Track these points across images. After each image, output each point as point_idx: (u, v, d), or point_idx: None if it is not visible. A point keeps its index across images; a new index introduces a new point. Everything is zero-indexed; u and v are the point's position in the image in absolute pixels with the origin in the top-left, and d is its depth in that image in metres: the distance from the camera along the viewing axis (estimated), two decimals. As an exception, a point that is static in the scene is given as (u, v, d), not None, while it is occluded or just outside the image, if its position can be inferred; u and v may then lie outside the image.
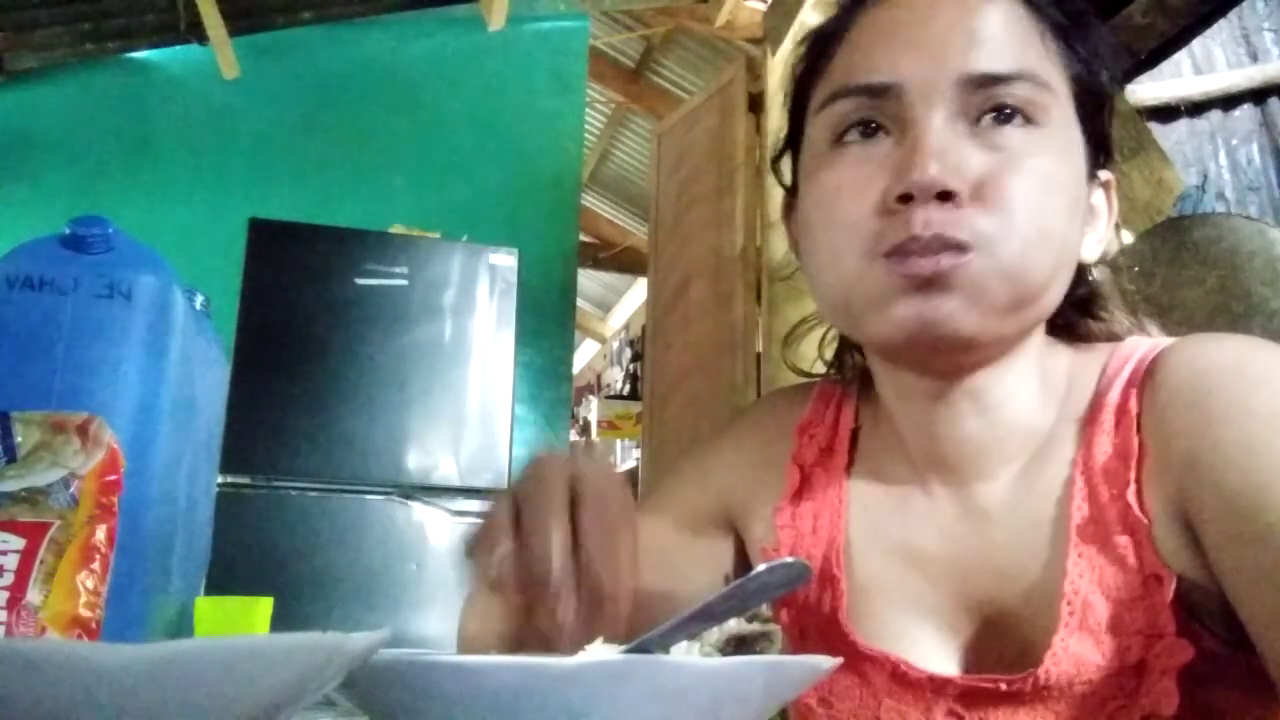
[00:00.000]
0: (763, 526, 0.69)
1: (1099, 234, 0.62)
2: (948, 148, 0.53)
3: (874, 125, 0.57)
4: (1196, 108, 2.67)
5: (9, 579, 1.01)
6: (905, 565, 0.62)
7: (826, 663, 0.51)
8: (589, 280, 7.39)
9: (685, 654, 0.52)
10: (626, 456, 5.68)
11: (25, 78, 3.54)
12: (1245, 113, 2.67)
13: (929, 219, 0.52)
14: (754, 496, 0.71)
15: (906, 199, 0.53)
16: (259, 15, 3.46)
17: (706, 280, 3.54)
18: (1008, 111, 0.54)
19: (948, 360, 0.58)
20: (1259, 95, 2.64)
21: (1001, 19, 0.56)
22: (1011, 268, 0.53)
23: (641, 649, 0.52)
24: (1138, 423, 0.56)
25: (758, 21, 3.75)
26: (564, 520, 0.46)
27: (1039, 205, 0.54)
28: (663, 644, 0.53)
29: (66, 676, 0.33)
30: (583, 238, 5.01)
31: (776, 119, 3.41)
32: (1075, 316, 0.64)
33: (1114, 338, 0.64)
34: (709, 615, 0.54)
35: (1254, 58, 2.70)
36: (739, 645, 0.54)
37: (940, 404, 0.60)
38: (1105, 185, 0.63)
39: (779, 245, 3.29)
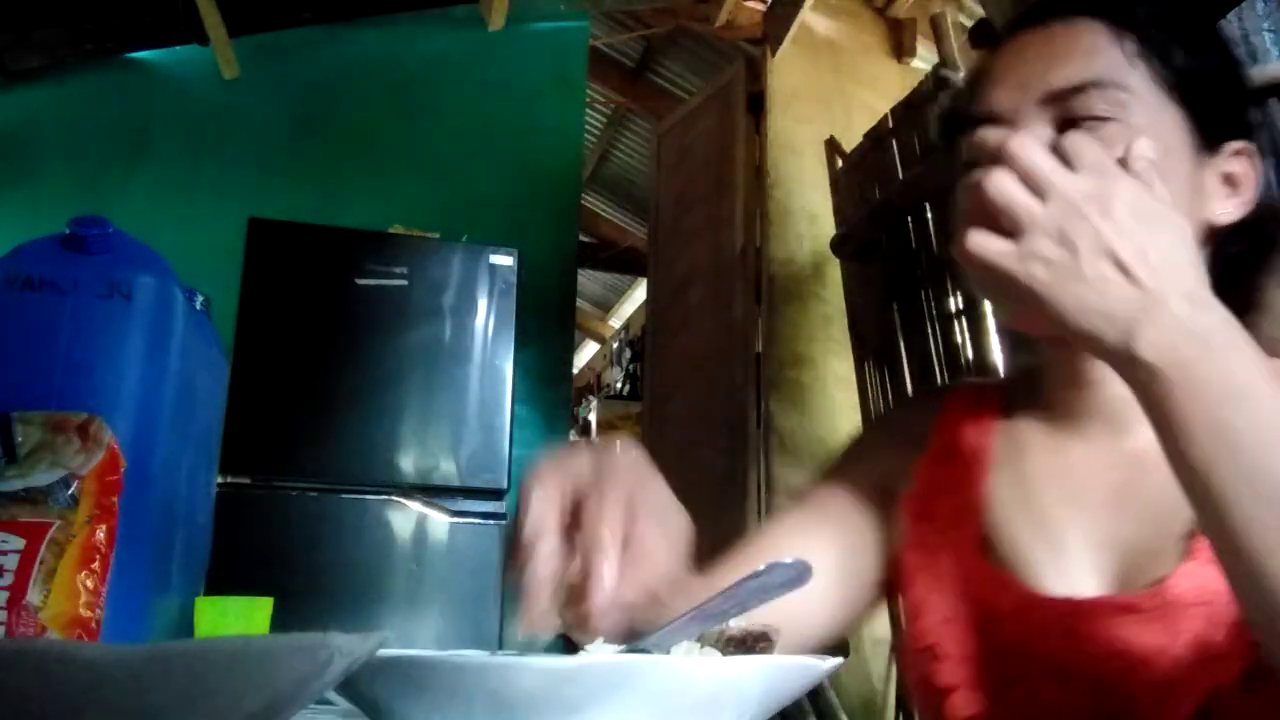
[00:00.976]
0: (907, 483, 0.78)
1: (1241, 198, 0.69)
2: None
3: None
4: (1196, 108, 2.67)
5: (9, 579, 1.01)
6: (1049, 505, 0.69)
7: (825, 663, 0.51)
8: (589, 280, 7.39)
9: (685, 654, 0.52)
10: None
11: (25, 78, 3.54)
12: (1245, 113, 2.67)
13: None
14: (903, 465, 0.79)
15: None
16: (259, 15, 3.46)
17: (706, 280, 3.55)
18: (1085, 115, 0.64)
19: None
20: (1259, 95, 2.64)
21: (1075, 41, 0.67)
22: None
23: (641, 649, 0.52)
24: None
25: (758, 21, 3.75)
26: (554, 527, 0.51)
27: None
28: (663, 644, 0.53)
29: (66, 676, 0.33)
30: (583, 238, 5.02)
31: (777, 119, 3.41)
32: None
33: None
34: (709, 615, 0.54)
35: (1254, 58, 2.70)
36: (739, 645, 0.54)
37: (1089, 363, 0.68)
38: (1240, 153, 0.69)
39: (779, 245, 3.29)
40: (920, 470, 0.76)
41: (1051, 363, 0.73)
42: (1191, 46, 0.68)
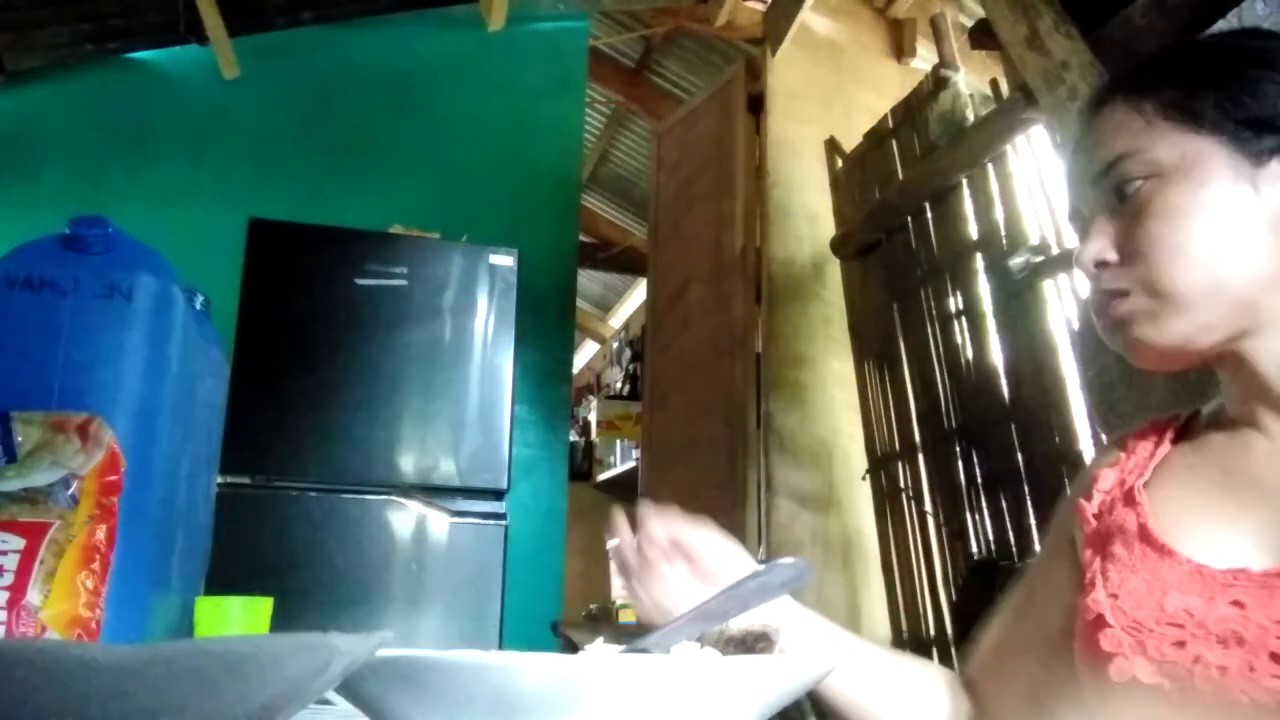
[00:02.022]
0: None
1: None
2: (1097, 234, 0.78)
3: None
4: (1196, 108, 2.66)
5: (9, 579, 1.01)
6: (1226, 492, 0.76)
7: (824, 664, 0.51)
8: (589, 280, 7.38)
9: (685, 654, 0.52)
10: (626, 456, 5.66)
11: (25, 78, 3.54)
12: (1245, 113, 2.66)
13: (1101, 279, 0.77)
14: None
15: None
16: (259, 15, 3.46)
17: (706, 281, 3.54)
18: (1125, 186, 0.76)
19: (1178, 361, 0.76)
20: None
21: (1103, 125, 0.79)
22: (1161, 289, 0.73)
23: (641, 649, 0.52)
24: None
25: (758, 21, 3.75)
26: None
27: (1169, 236, 0.73)
28: (663, 644, 0.53)
29: (66, 676, 0.33)
30: (583, 238, 5.01)
31: (777, 119, 3.41)
32: None
33: None
34: (709, 615, 0.54)
35: (1254, 58, 2.69)
36: (739, 645, 0.54)
37: (1253, 374, 0.76)
38: None
39: (779, 245, 3.29)
40: (1100, 475, 0.83)
41: (1223, 386, 0.80)
42: (1214, 83, 0.75)
